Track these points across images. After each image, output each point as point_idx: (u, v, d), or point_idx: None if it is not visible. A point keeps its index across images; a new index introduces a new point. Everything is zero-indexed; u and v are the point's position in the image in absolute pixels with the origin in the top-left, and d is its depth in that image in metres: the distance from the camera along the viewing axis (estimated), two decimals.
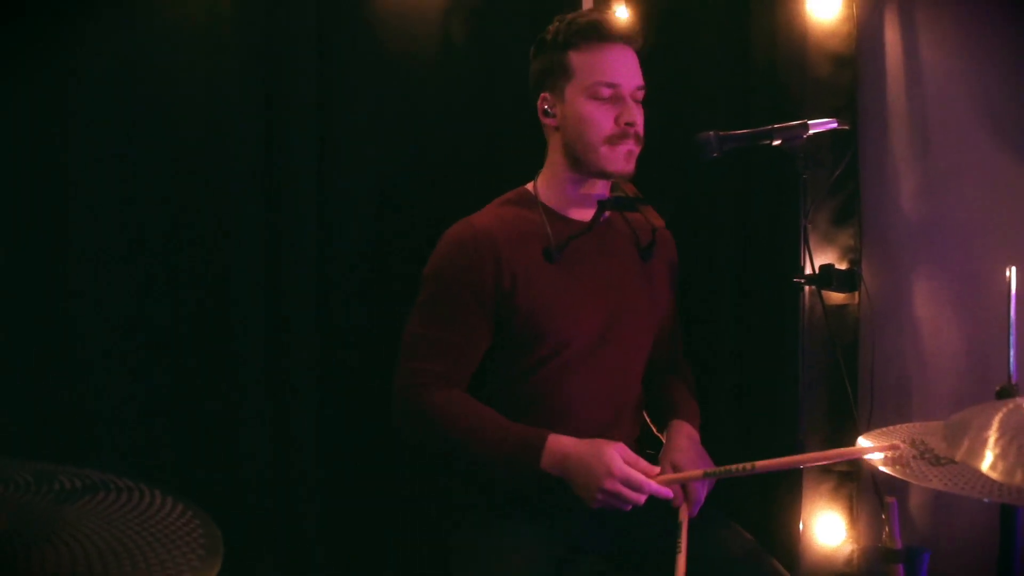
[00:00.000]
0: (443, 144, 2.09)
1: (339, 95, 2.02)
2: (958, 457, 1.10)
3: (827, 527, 2.10)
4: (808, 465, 1.49)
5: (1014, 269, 1.36)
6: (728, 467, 1.53)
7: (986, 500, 1.32)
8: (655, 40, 1.97)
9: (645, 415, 1.86)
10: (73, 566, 0.85)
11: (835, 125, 1.82)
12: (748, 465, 1.49)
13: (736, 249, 2.17)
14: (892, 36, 2.08)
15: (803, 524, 2.00)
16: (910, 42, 2.05)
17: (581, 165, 1.73)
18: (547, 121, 1.76)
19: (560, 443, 1.57)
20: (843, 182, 2.10)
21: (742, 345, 2.17)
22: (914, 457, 1.35)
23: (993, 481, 1.29)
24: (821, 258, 2.05)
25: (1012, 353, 1.34)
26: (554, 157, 1.78)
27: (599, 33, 1.69)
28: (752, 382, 2.18)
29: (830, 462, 1.52)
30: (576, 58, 1.69)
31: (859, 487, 2.10)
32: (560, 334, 1.69)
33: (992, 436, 1.11)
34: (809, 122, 1.75)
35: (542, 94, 1.75)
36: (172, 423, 1.93)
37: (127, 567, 0.90)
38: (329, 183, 2.02)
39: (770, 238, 2.11)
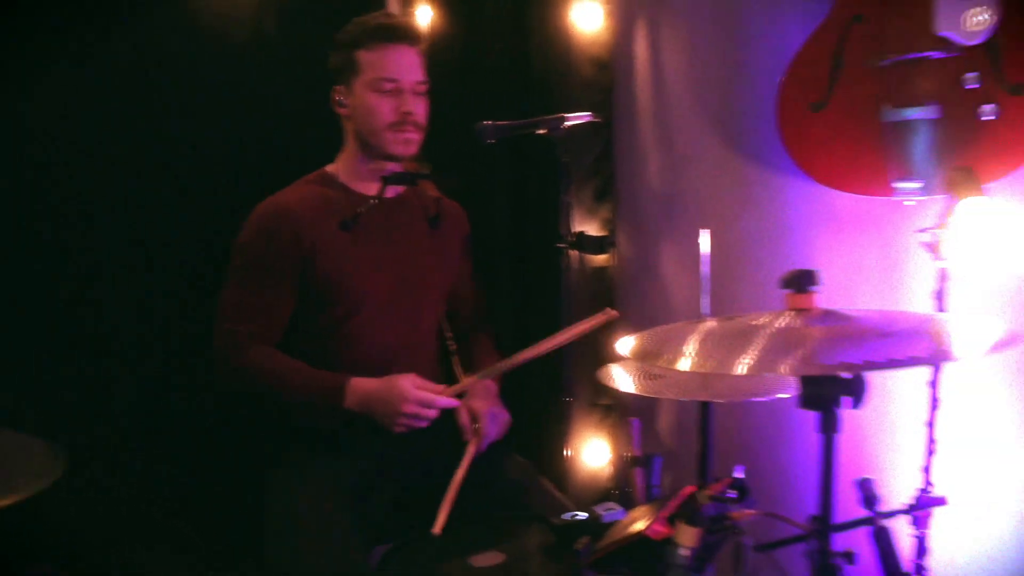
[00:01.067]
0: (256, 128, 2.23)
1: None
2: (660, 364, 1.41)
3: (593, 451, 2.41)
4: (553, 347, 1.79)
5: (706, 232, 1.68)
6: (494, 366, 1.85)
7: (684, 399, 1.70)
8: (451, 41, 2.21)
9: (458, 366, 2.09)
10: None
11: (590, 117, 2.04)
12: (508, 361, 1.82)
13: (515, 220, 2.41)
14: (641, 45, 2.32)
15: (571, 450, 2.32)
16: (654, 51, 2.28)
17: (370, 148, 1.93)
18: (340, 111, 1.94)
19: (360, 384, 1.80)
20: (601, 165, 2.37)
21: (519, 300, 2.41)
22: (639, 377, 1.74)
23: (689, 384, 1.68)
24: (584, 228, 2.32)
25: (704, 297, 1.70)
26: (349, 142, 1.97)
27: (383, 35, 1.89)
28: (527, 331, 2.35)
29: (568, 340, 1.78)
30: (363, 56, 1.89)
31: (619, 416, 2.42)
32: (354, 294, 1.90)
33: (689, 347, 1.42)
34: (566, 115, 1.97)
35: (336, 87, 1.93)
36: None
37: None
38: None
39: (542, 211, 2.28)
